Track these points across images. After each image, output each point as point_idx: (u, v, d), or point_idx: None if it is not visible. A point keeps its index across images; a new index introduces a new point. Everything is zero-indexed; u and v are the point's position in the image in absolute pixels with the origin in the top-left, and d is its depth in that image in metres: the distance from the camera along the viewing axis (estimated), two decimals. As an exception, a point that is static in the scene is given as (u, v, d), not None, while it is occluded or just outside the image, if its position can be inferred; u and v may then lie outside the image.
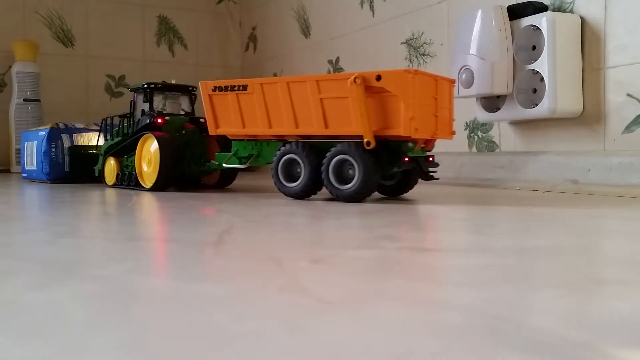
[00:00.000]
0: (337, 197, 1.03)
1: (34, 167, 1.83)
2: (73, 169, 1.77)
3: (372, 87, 0.98)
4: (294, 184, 1.08)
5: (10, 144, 2.46)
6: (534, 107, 1.30)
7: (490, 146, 1.56)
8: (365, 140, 0.98)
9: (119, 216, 0.85)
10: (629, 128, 1.21)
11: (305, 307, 0.34)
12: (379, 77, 0.97)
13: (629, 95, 1.21)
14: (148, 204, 1.05)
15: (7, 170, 2.53)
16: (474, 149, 1.62)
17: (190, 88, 1.51)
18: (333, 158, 1.02)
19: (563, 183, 1.27)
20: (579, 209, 0.91)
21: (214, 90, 1.18)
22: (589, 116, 1.29)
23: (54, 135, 1.77)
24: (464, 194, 1.24)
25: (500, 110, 1.39)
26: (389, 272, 0.44)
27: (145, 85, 1.44)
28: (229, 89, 1.15)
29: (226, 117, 1.18)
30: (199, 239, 0.60)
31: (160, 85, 1.45)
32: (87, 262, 0.48)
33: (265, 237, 0.62)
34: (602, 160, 1.22)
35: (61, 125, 1.80)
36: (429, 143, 1.08)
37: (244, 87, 1.13)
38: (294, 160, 1.08)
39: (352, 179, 1.01)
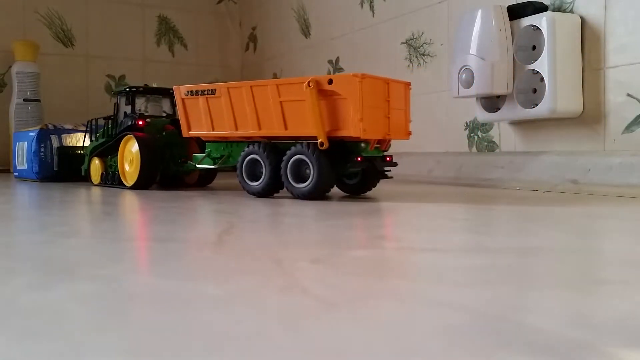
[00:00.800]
0: (295, 195, 1.08)
1: (25, 167, 1.87)
2: (61, 169, 1.82)
3: (325, 91, 1.03)
4: (256, 183, 1.13)
5: (11, 144, 2.46)
6: (534, 107, 1.30)
7: (490, 146, 1.56)
8: (319, 141, 1.03)
9: (117, 216, 0.85)
10: (629, 128, 1.21)
11: (305, 307, 0.34)
12: (330, 81, 1.02)
13: (629, 95, 1.21)
14: (146, 204, 1.05)
15: (7, 170, 2.52)
16: (474, 149, 1.62)
17: (171, 91, 1.54)
18: (291, 158, 1.07)
19: (563, 183, 1.27)
20: (579, 209, 0.91)
21: (186, 95, 1.25)
22: (589, 116, 1.29)
23: (43, 136, 1.82)
24: (464, 194, 1.23)
25: (500, 110, 1.39)
26: (389, 272, 0.44)
27: (128, 89, 1.49)
28: (200, 93, 1.22)
29: (197, 120, 1.24)
30: (198, 239, 0.60)
31: (142, 89, 1.51)
32: (86, 262, 0.48)
33: (265, 237, 0.62)
34: (602, 160, 1.22)
35: (50, 126, 1.86)
36: (383, 143, 1.11)
37: (213, 91, 1.20)
38: (256, 160, 1.13)
39: (309, 178, 1.05)
